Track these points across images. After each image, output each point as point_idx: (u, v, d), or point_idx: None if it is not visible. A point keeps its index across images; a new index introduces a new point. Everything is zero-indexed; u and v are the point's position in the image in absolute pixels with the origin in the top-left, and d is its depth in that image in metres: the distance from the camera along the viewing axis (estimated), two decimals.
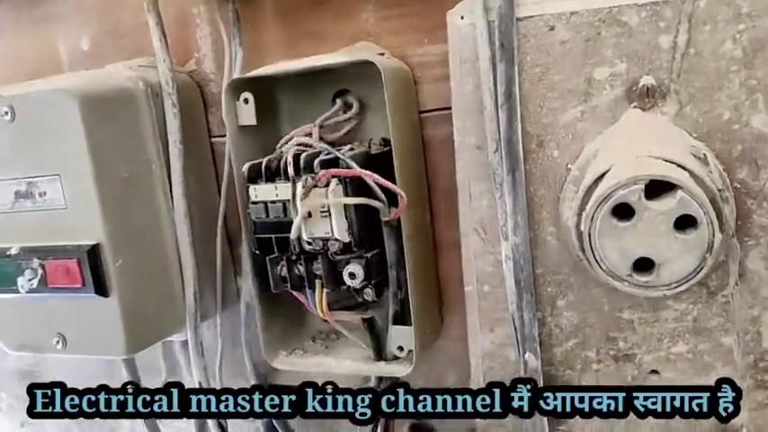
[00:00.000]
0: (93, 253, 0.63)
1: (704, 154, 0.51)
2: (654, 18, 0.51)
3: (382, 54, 0.64)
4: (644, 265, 0.48)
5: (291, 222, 0.60)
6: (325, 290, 0.63)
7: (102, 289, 0.64)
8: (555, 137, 0.55)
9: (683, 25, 0.50)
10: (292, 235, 0.57)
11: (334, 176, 0.57)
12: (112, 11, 0.79)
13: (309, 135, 0.64)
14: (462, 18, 0.56)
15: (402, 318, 0.64)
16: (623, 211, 0.48)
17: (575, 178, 0.55)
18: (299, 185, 0.58)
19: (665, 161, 0.48)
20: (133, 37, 0.78)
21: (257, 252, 0.64)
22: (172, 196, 0.70)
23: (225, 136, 0.76)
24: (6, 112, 0.63)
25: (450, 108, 0.65)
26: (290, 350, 0.71)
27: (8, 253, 0.67)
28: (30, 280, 0.66)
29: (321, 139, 0.65)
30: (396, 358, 0.66)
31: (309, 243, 0.59)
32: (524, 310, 0.56)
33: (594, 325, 0.58)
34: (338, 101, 0.66)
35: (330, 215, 0.57)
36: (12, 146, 0.65)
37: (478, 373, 0.62)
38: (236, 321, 0.79)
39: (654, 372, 0.58)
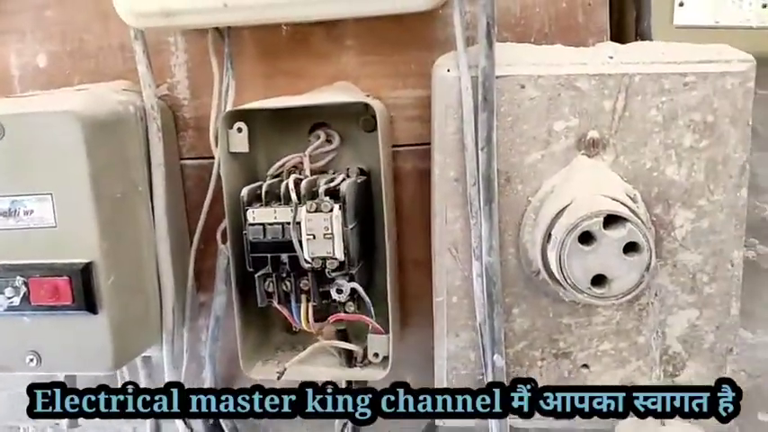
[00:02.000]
0: (87, 271, 0.65)
1: (635, 194, 0.66)
2: (600, 86, 0.65)
3: (368, 95, 0.73)
4: (598, 281, 0.62)
5: (288, 243, 0.67)
6: (310, 303, 0.70)
7: (92, 306, 0.65)
8: (519, 174, 0.67)
9: (621, 94, 0.65)
10: (306, 255, 0.64)
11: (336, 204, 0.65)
12: (76, 31, 0.80)
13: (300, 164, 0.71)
14: (449, 71, 0.66)
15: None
16: (584, 238, 0.61)
17: (534, 208, 0.67)
18: (304, 209, 0.65)
19: (613, 199, 0.62)
20: (96, 59, 0.80)
21: (251, 269, 0.69)
22: (153, 216, 0.73)
23: (194, 159, 0.80)
24: None
25: (417, 144, 0.76)
26: (263, 360, 0.76)
27: None
28: (10, 298, 0.65)
29: None
30: (368, 364, 0.74)
31: (308, 262, 0.66)
32: (495, 318, 0.67)
33: (541, 329, 0.71)
34: (321, 133, 0.74)
35: (333, 237, 0.65)
36: None
37: (443, 372, 0.72)
38: (193, 336, 0.83)
39: (585, 366, 0.72)
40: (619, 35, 0.73)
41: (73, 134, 0.62)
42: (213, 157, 0.77)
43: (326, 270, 0.67)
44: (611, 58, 0.67)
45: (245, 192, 0.68)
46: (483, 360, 0.69)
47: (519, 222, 0.68)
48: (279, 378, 0.70)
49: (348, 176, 0.72)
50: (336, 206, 0.65)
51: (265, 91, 0.76)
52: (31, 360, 0.68)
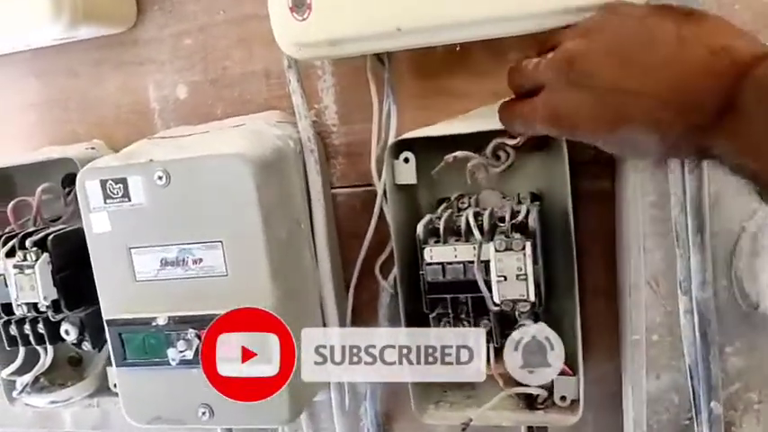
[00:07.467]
0: None
1: None
2: None
3: None
4: None
5: (470, 283, 0.61)
6: (491, 345, 0.64)
7: None
8: (731, 194, 0.59)
9: None
10: (495, 297, 0.58)
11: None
12: (218, 59, 0.76)
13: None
14: None
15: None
16: None
17: (751, 234, 0.59)
18: (491, 247, 0.59)
19: None
20: (240, 87, 0.76)
21: (427, 311, 0.64)
22: (315, 252, 0.68)
23: (345, 188, 0.76)
24: (160, 177, 0.60)
25: (594, 162, 0.69)
26: (434, 403, 0.71)
27: (155, 323, 0.63)
28: (182, 351, 0.62)
29: None
30: (551, 406, 0.68)
31: (497, 304, 0.60)
32: (710, 361, 0.60)
33: (757, 369, 0.62)
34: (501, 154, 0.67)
35: (527, 278, 0.58)
36: (161, 212, 0.61)
37: (642, 417, 0.65)
38: None
39: None
40: None
41: (244, 178, 0.58)
42: (366, 185, 0.72)
43: (517, 312, 0.60)
44: None
45: (420, 228, 0.62)
46: (693, 405, 0.62)
47: (732, 250, 0.60)
48: (464, 430, 0.65)
49: (521, 202, 0.66)
50: (528, 243, 0.58)
51: (421, 113, 0.70)
52: (204, 413, 0.65)
